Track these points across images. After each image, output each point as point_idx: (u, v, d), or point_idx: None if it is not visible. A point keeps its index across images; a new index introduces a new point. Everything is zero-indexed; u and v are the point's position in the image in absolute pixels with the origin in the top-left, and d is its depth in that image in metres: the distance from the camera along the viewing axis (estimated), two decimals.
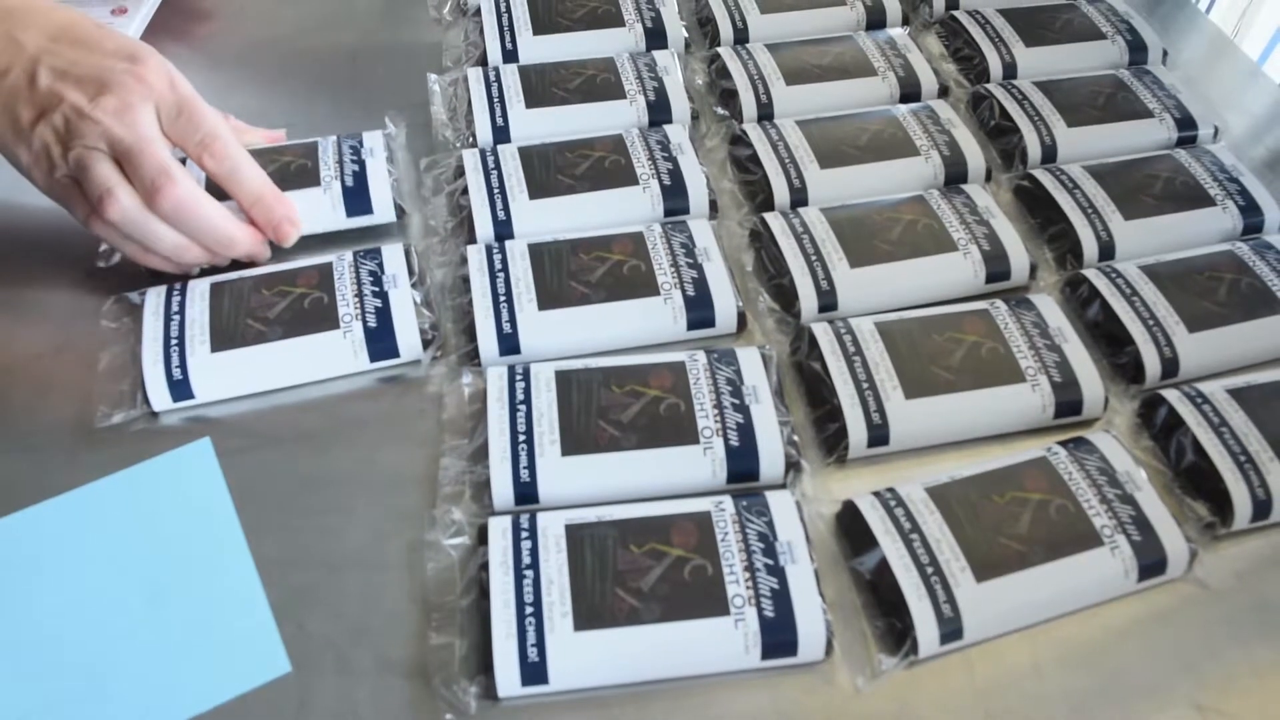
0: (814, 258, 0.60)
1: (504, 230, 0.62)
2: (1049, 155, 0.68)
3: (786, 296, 0.60)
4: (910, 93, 0.72)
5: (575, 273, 0.58)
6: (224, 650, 0.47)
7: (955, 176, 0.66)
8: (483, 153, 0.65)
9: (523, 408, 0.52)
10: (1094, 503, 0.50)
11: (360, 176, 0.63)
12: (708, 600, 0.46)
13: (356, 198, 0.63)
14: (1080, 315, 0.60)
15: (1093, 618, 0.49)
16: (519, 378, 0.54)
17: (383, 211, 0.64)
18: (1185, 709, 0.47)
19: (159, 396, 0.55)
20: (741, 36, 0.76)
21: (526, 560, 0.47)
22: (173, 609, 0.48)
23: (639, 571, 0.47)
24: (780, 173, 0.65)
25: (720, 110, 0.72)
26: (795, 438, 0.53)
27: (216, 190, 0.59)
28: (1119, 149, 0.68)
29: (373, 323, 0.57)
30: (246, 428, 0.55)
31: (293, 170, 0.63)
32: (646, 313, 0.58)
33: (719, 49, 0.74)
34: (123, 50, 0.55)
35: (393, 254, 0.59)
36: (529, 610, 0.45)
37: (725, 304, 0.58)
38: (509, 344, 0.56)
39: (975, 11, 0.78)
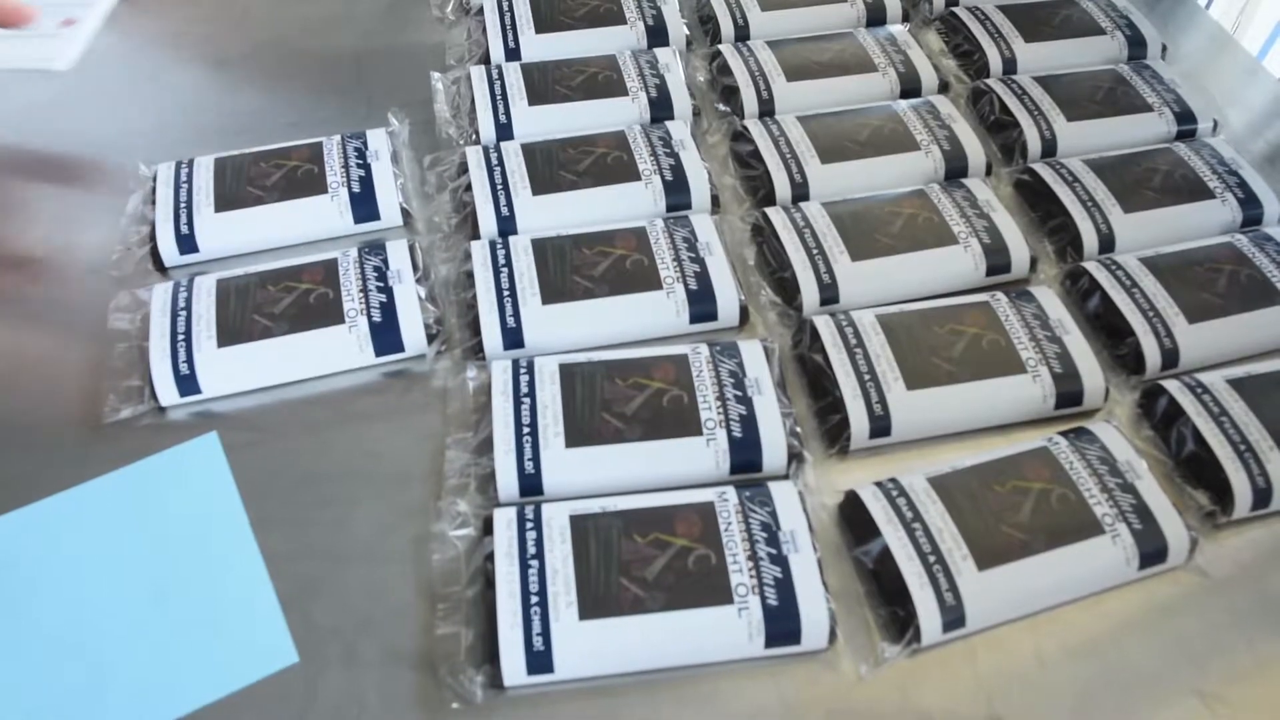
0: (815, 251, 0.60)
1: (507, 226, 0.63)
2: (1049, 149, 0.68)
3: (788, 290, 0.60)
4: (910, 88, 0.72)
5: (578, 267, 0.59)
6: (232, 641, 0.48)
7: (955, 171, 0.67)
8: (486, 150, 0.66)
9: (527, 400, 0.53)
10: (1095, 492, 0.50)
11: (366, 182, 0.64)
12: (711, 589, 0.46)
13: (363, 204, 0.64)
14: (1081, 307, 0.60)
15: (1095, 606, 0.49)
16: (523, 371, 0.54)
17: (389, 217, 0.64)
18: (1187, 697, 0.47)
19: (166, 391, 0.55)
20: (742, 33, 0.77)
21: (532, 550, 0.47)
22: (181, 601, 0.49)
23: (643, 561, 0.47)
24: (781, 168, 0.65)
25: (722, 106, 0.72)
26: (798, 429, 0.54)
27: None
28: (1118, 143, 0.68)
29: (378, 318, 0.57)
30: (253, 422, 0.55)
31: (299, 177, 0.64)
32: (649, 307, 0.58)
33: (720, 46, 0.75)
34: None
35: (397, 250, 0.60)
36: (534, 600, 0.46)
37: (727, 298, 0.59)
38: (513, 338, 0.57)
39: (975, 7, 0.78)
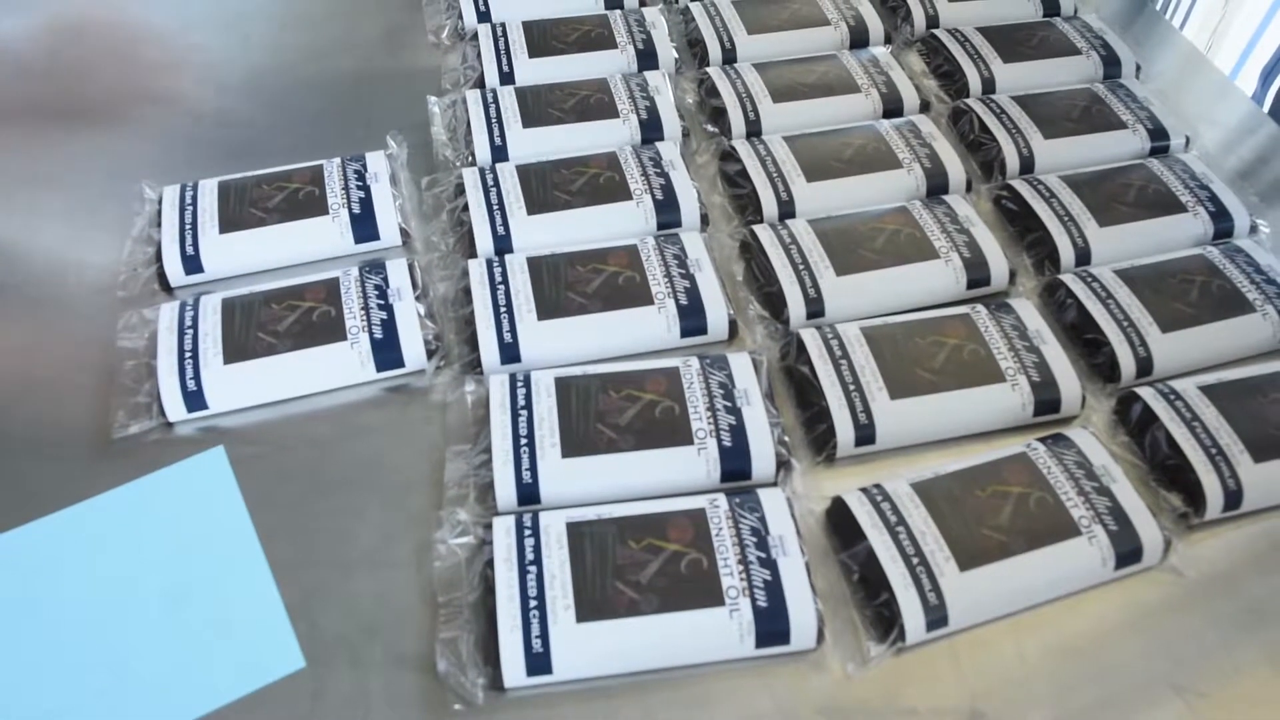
0: (802, 267, 0.62)
1: (503, 245, 0.64)
2: (1027, 166, 0.71)
3: (776, 304, 0.62)
4: (893, 108, 0.75)
5: (572, 284, 0.61)
6: (240, 647, 0.49)
7: (937, 188, 0.69)
8: (482, 171, 0.68)
9: (524, 413, 0.55)
10: (1072, 495, 0.52)
11: (366, 203, 0.66)
12: (703, 592, 0.48)
13: (363, 224, 0.65)
14: (1058, 318, 0.62)
15: (1074, 606, 0.51)
16: (520, 385, 0.56)
17: (389, 237, 0.66)
18: (1164, 690, 0.49)
19: (174, 407, 0.57)
20: (729, 57, 0.79)
21: (530, 557, 0.49)
22: (191, 610, 0.51)
23: (637, 566, 0.49)
24: (768, 186, 0.67)
25: (710, 127, 0.74)
26: (785, 438, 0.55)
27: None
28: (1094, 159, 0.71)
29: (379, 334, 0.59)
30: (259, 436, 0.57)
31: (301, 198, 0.66)
32: (641, 321, 0.60)
33: (708, 69, 0.77)
34: None
35: (397, 269, 0.62)
36: (533, 604, 0.48)
37: (717, 312, 0.61)
38: (510, 353, 0.59)
39: (955, 30, 0.80)
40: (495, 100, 0.72)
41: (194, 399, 0.57)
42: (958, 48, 0.79)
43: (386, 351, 0.59)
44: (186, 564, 0.52)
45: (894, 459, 0.56)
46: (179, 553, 0.53)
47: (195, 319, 0.59)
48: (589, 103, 0.72)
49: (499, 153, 0.70)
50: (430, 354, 0.59)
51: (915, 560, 0.49)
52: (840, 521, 0.53)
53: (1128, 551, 0.51)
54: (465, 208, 0.66)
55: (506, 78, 0.76)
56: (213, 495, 0.55)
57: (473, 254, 0.64)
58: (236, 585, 0.51)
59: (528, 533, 0.50)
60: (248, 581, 0.51)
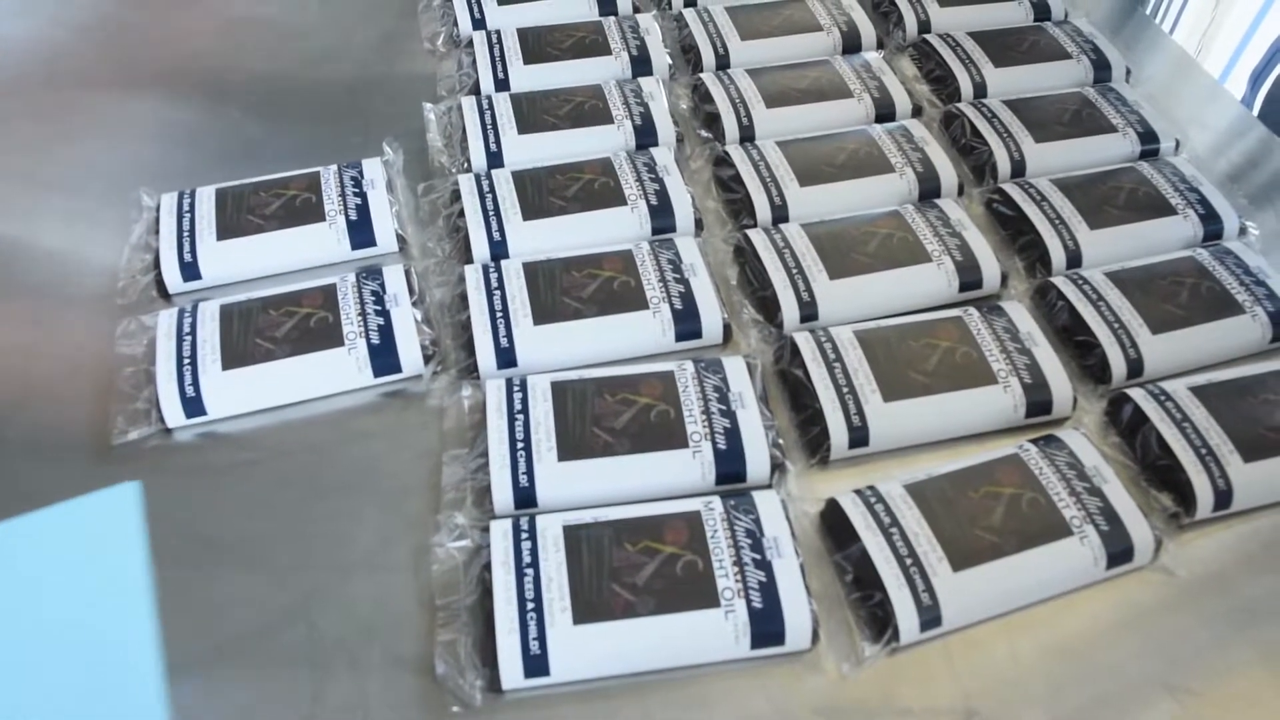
0: (795, 271, 0.63)
1: (499, 250, 0.65)
2: (1018, 170, 0.71)
3: (769, 308, 0.63)
4: (885, 113, 0.75)
5: (568, 289, 0.61)
6: (107, 705, 0.47)
7: (929, 192, 0.70)
8: (478, 177, 0.68)
9: (520, 417, 0.55)
10: (1063, 495, 0.52)
11: (363, 210, 0.66)
12: (699, 594, 0.48)
13: (360, 231, 0.66)
14: (1049, 320, 0.63)
15: (1066, 606, 0.52)
16: (516, 389, 0.56)
17: (385, 243, 0.67)
18: (1155, 689, 0.49)
19: (173, 413, 0.57)
20: (723, 62, 0.80)
21: (527, 559, 0.49)
22: (65, 656, 0.48)
23: (634, 568, 0.49)
24: (762, 191, 0.68)
25: (704, 133, 0.75)
26: (780, 441, 0.56)
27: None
28: (1085, 163, 0.71)
29: (376, 340, 0.59)
30: (257, 441, 0.57)
31: (298, 205, 0.66)
32: (636, 326, 0.60)
33: (701, 75, 0.77)
34: None
35: (394, 274, 0.62)
36: (530, 606, 0.48)
37: (711, 316, 0.61)
38: (506, 358, 0.59)
39: (946, 35, 0.81)
40: (490, 106, 0.73)
41: (193, 405, 0.57)
42: (949, 52, 0.79)
43: (383, 357, 0.59)
44: (71, 608, 0.49)
45: (887, 461, 0.57)
46: (65, 595, 0.50)
47: (194, 325, 0.60)
48: (584, 109, 0.73)
49: (494, 159, 0.71)
50: (427, 359, 0.60)
51: (909, 561, 0.50)
52: (834, 523, 0.53)
53: (1119, 551, 0.51)
54: (461, 214, 0.66)
55: (502, 84, 0.76)
56: (115, 535, 0.52)
57: (469, 260, 0.65)
58: (117, 641, 0.49)
59: (524, 536, 0.50)
60: (129, 638, 0.48)
